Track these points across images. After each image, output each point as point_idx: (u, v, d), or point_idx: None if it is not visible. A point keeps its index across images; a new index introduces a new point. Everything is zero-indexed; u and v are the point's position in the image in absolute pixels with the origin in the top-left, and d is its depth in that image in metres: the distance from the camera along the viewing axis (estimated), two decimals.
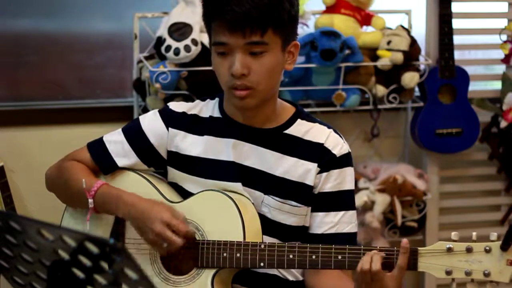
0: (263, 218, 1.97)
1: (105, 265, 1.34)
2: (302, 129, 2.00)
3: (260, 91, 1.89)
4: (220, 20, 1.84)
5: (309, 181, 1.97)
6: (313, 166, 1.97)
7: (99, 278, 1.36)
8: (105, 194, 1.96)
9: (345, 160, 1.99)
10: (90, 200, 1.96)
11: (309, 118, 2.03)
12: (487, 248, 1.77)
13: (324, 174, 1.97)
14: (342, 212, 1.99)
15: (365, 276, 1.79)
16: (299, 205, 1.97)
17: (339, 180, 1.98)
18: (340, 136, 2.01)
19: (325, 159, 1.97)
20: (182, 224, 1.89)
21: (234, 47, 1.85)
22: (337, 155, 1.98)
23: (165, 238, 1.87)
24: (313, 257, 1.86)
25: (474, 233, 1.79)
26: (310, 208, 1.99)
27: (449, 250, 1.79)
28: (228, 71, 1.87)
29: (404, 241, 1.80)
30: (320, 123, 2.03)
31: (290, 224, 1.98)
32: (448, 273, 1.79)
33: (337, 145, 1.99)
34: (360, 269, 1.80)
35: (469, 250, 1.78)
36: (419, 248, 1.81)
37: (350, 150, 2.01)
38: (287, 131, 1.99)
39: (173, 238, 1.87)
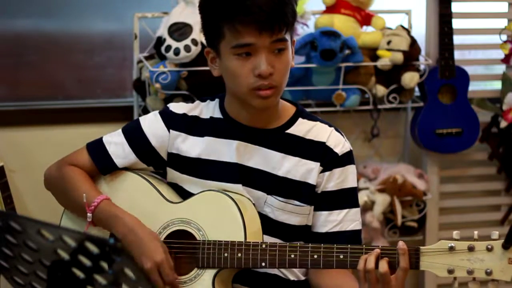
0: (265, 218, 1.97)
1: (105, 265, 1.34)
2: (303, 128, 2.00)
3: (281, 89, 1.91)
4: (248, 21, 1.81)
5: (312, 180, 1.97)
6: (315, 165, 1.97)
7: (99, 278, 1.36)
8: (104, 212, 1.95)
9: (347, 159, 2.00)
10: (89, 215, 1.95)
11: (310, 117, 2.03)
12: (489, 246, 1.77)
13: (327, 173, 1.98)
14: (345, 210, 1.99)
15: (369, 275, 1.79)
16: (302, 204, 1.97)
17: (342, 178, 1.99)
18: (342, 135, 2.02)
19: (327, 158, 1.97)
20: (172, 274, 1.87)
21: (260, 47, 1.84)
22: (339, 154, 1.98)
23: (150, 278, 1.86)
24: (315, 256, 1.86)
25: (475, 232, 1.79)
26: (313, 207, 1.99)
27: (451, 249, 1.79)
28: (252, 72, 1.86)
29: (400, 243, 1.81)
30: (321, 121, 2.03)
31: (293, 223, 1.98)
32: (450, 272, 1.79)
33: (339, 143, 1.99)
34: (364, 268, 1.80)
35: (471, 249, 1.78)
36: (421, 247, 1.81)
37: (351, 148, 2.02)
38: (288, 131, 2.00)
39: (158, 282, 1.86)
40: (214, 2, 1.88)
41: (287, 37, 1.87)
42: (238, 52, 1.86)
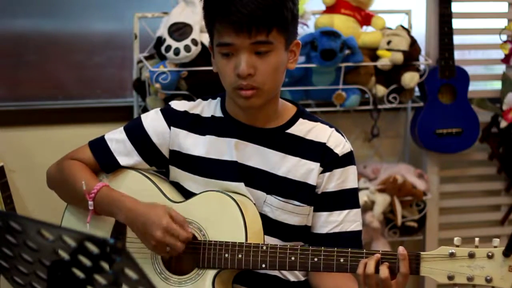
0: (265, 218, 1.97)
1: (105, 265, 1.34)
2: (304, 128, 2.00)
3: (265, 91, 1.89)
4: (225, 21, 1.83)
5: (312, 180, 1.97)
6: (315, 166, 1.97)
7: (99, 278, 1.36)
8: (105, 197, 1.96)
9: (347, 159, 1.99)
10: (90, 202, 1.96)
11: (311, 117, 2.03)
12: (490, 254, 1.76)
13: (327, 174, 1.97)
14: (346, 211, 1.99)
15: (369, 279, 1.79)
16: (301, 204, 1.97)
17: (342, 179, 1.98)
18: (342, 135, 2.01)
19: (328, 159, 1.97)
20: (182, 229, 1.88)
21: (240, 48, 1.85)
22: (340, 155, 1.98)
23: (167, 245, 1.87)
24: (315, 259, 1.86)
25: (477, 239, 1.78)
26: (312, 207, 1.99)
27: (452, 255, 1.78)
28: (234, 71, 1.87)
29: (401, 248, 1.80)
30: (322, 122, 2.03)
31: (292, 223, 1.98)
32: (450, 278, 1.78)
33: (339, 144, 1.99)
34: (364, 273, 1.79)
35: (471, 256, 1.77)
36: (421, 253, 1.81)
37: (352, 149, 2.02)
38: (289, 131, 1.99)
39: (174, 244, 1.87)
40: (206, 1, 1.91)
41: (273, 39, 1.85)
42: (221, 51, 1.88)
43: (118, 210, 1.94)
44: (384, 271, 1.78)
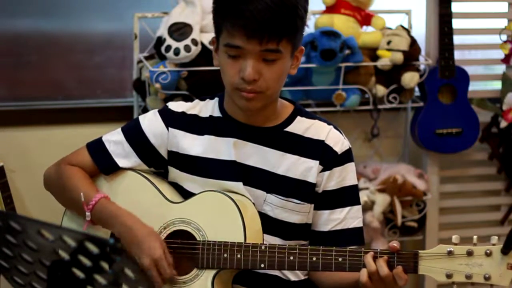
0: (265, 217, 1.97)
1: (105, 265, 1.34)
2: (302, 126, 2.00)
3: (267, 95, 1.90)
4: (238, 23, 1.82)
5: (311, 178, 1.97)
6: (314, 164, 1.97)
7: (99, 278, 1.36)
8: (102, 210, 1.96)
9: (346, 157, 2.00)
10: (88, 214, 1.96)
11: (309, 115, 2.03)
12: (488, 251, 1.76)
13: (327, 172, 1.98)
14: (347, 208, 2.00)
15: (373, 276, 1.80)
16: (302, 202, 1.98)
17: (342, 177, 1.99)
18: (340, 132, 2.02)
19: (327, 157, 1.97)
20: (169, 268, 1.88)
21: (248, 53, 1.84)
22: (339, 153, 1.98)
23: (150, 275, 1.87)
24: (314, 259, 1.86)
25: (475, 237, 1.78)
26: (312, 205, 1.99)
27: (450, 253, 1.78)
28: (238, 73, 1.86)
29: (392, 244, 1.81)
30: (320, 119, 2.03)
31: (293, 222, 1.98)
32: (449, 276, 1.78)
33: (338, 141, 1.99)
34: (369, 273, 1.80)
35: (469, 254, 1.77)
36: (420, 251, 1.81)
37: (350, 146, 2.02)
38: (287, 129, 2.00)
39: (156, 278, 1.87)
40: None
41: (282, 48, 1.85)
42: (229, 52, 1.87)
43: (114, 224, 1.94)
44: (383, 270, 1.78)
